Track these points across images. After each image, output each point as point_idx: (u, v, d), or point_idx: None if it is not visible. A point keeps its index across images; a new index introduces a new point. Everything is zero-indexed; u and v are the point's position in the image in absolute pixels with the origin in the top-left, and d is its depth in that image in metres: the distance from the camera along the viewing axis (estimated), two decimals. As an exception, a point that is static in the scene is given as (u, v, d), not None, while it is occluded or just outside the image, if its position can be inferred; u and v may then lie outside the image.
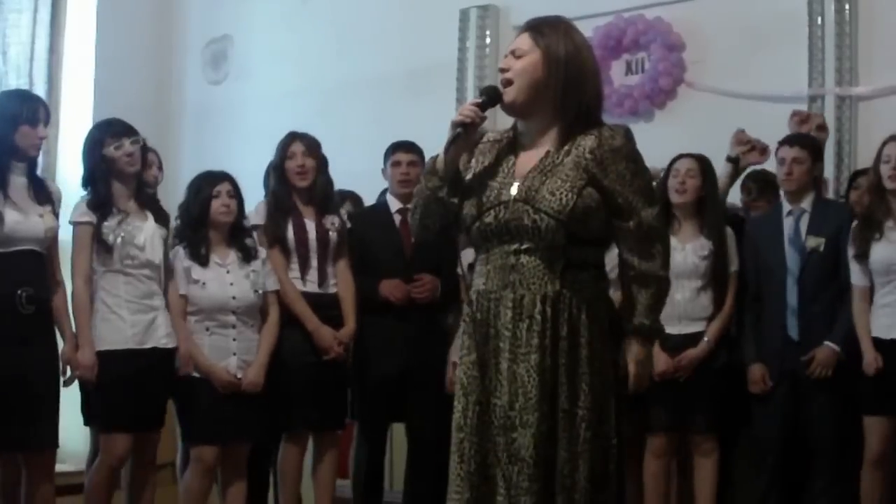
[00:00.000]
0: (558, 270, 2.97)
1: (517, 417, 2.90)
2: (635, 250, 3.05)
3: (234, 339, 4.65)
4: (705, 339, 4.81)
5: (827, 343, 4.66)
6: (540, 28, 3.05)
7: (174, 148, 7.61)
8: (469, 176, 3.10)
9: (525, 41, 3.04)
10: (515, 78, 3.02)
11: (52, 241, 4.26)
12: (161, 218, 4.59)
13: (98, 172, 4.44)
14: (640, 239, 3.05)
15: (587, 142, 2.98)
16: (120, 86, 7.51)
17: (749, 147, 5.19)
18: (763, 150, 5.22)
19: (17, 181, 4.18)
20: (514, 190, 3.00)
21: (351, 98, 7.30)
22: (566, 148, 3.01)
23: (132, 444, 4.48)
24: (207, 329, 4.63)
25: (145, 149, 4.60)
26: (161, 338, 4.47)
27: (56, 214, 4.28)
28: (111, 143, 4.43)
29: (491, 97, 3.07)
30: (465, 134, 3.02)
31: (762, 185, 5.38)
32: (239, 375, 4.62)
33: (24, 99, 4.35)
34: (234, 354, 4.64)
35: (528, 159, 3.06)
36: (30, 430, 4.11)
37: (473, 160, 3.13)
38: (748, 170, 5.34)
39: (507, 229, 2.99)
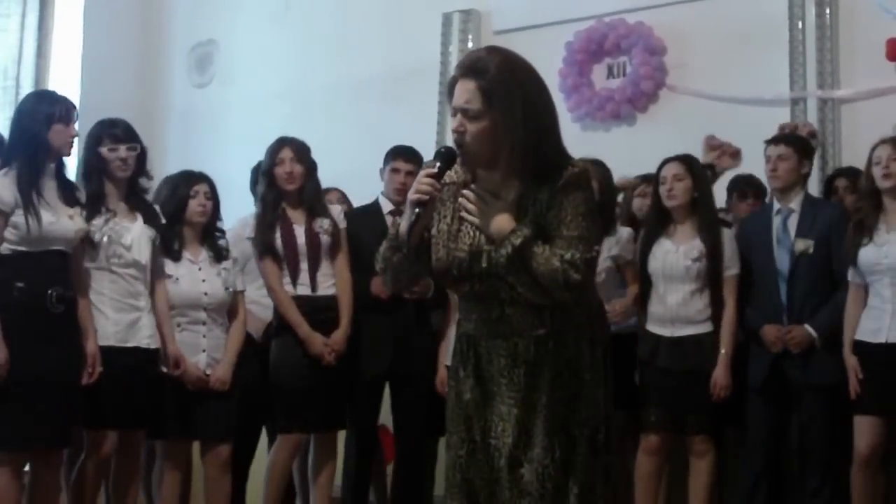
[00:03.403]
0: (546, 311, 2.80)
1: (522, 455, 2.79)
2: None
3: (204, 336, 4.53)
4: (722, 350, 4.56)
5: (806, 325, 4.51)
6: (489, 80, 2.72)
7: (159, 150, 7.32)
8: (434, 232, 2.87)
9: (474, 98, 2.72)
10: (472, 141, 2.75)
11: (79, 242, 4.13)
12: (151, 220, 4.44)
13: (91, 168, 4.36)
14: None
15: (543, 194, 2.76)
16: (106, 89, 7.31)
17: (720, 152, 5.05)
18: (734, 154, 5.09)
19: (48, 182, 4.05)
20: (483, 261, 2.79)
21: (334, 101, 7.12)
22: (525, 203, 2.77)
23: (116, 441, 4.34)
24: (178, 325, 4.49)
25: (143, 155, 4.44)
26: (144, 338, 4.31)
27: (83, 216, 4.14)
28: (108, 143, 4.33)
29: (447, 161, 2.81)
30: (425, 210, 2.77)
31: (755, 189, 5.17)
32: (208, 372, 4.48)
33: (55, 99, 4.14)
34: (204, 351, 4.52)
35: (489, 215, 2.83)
36: (47, 429, 3.96)
37: (434, 213, 2.89)
38: (734, 173, 5.16)
39: (486, 296, 2.83)
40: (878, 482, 4.32)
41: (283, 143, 4.84)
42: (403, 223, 2.79)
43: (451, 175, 2.86)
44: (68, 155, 4.12)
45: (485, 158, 2.79)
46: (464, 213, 2.81)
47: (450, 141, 2.89)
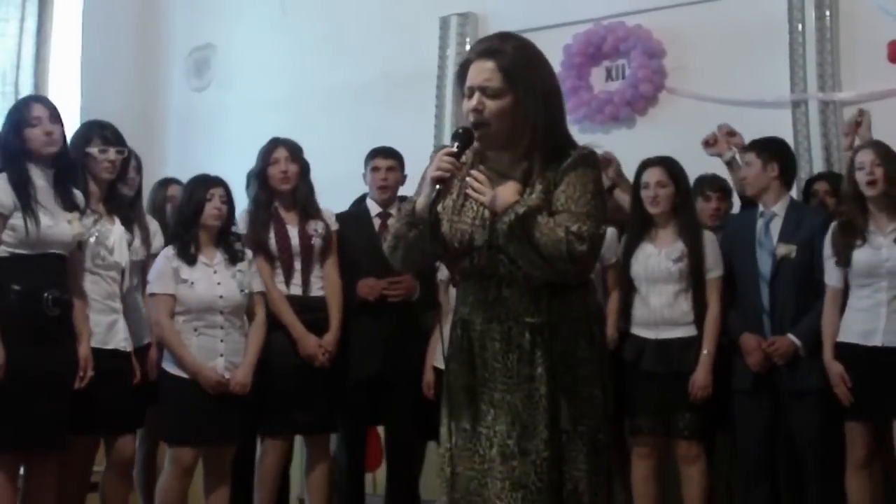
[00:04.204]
0: (545, 299, 2.79)
1: (515, 446, 2.77)
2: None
3: (222, 341, 4.51)
4: (704, 351, 4.54)
5: (789, 335, 4.47)
6: (509, 61, 2.75)
7: (158, 154, 7.39)
8: (438, 208, 2.86)
9: (494, 76, 2.75)
10: (493, 120, 2.77)
11: (76, 246, 4.17)
12: (127, 223, 4.48)
13: (77, 167, 4.34)
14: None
15: (551, 173, 2.79)
16: (105, 93, 7.29)
17: (722, 139, 5.06)
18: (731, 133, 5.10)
19: (43, 186, 4.06)
20: (485, 234, 2.80)
21: (332, 106, 7.07)
22: (533, 181, 2.79)
23: (96, 445, 4.42)
24: (195, 329, 4.49)
25: (128, 160, 4.53)
26: (121, 340, 4.35)
27: (81, 221, 4.17)
28: (98, 144, 4.36)
29: (465, 142, 2.81)
30: (444, 186, 2.78)
31: (720, 191, 5.13)
32: (227, 376, 4.47)
33: (24, 103, 4.20)
34: (222, 356, 4.50)
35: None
36: (42, 431, 3.99)
37: None
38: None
39: (484, 273, 2.82)
40: (874, 484, 4.29)
41: (276, 143, 4.86)
42: (421, 200, 2.79)
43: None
44: (51, 153, 4.04)
45: (502, 137, 2.79)
46: (470, 191, 2.78)
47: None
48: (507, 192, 2.74)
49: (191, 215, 4.57)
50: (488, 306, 2.81)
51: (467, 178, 2.80)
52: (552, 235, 2.66)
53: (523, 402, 2.77)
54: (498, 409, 2.79)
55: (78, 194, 4.20)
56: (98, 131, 4.39)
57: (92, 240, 4.28)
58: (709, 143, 5.12)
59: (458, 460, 2.83)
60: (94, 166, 4.35)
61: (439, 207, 2.83)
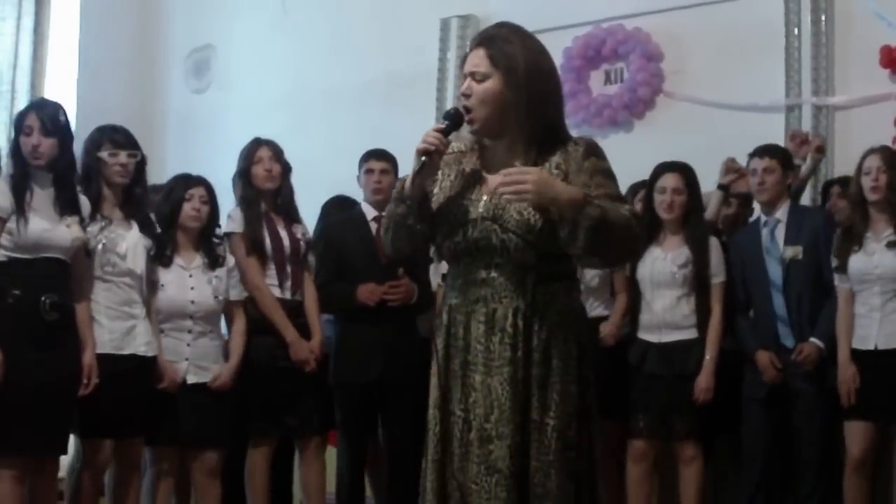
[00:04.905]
0: (530, 284, 2.86)
1: (493, 430, 2.82)
2: None
3: (189, 345, 4.47)
4: (707, 356, 4.65)
5: (812, 339, 4.56)
6: (496, 45, 2.87)
7: (157, 156, 7.26)
8: (436, 190, 2.97)
9: (483, 62, 2.86)
10: (479, 104, 2.87)
11: (78, 251, 4.13)
12: (146, 229, 4.42)
13: (90, 172, 4.32)
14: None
15: (554, 158, 2.86)
16: (103, 94, 7.33)
17: (738, 175, 5.11)
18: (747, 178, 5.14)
19: (43, 191, 4.06)
20: (481, 207, 2.89)
21: (332, 107, 7.17)
22: (533, 165, 2.86)
23: (112, 449, 4.37)
24: (163, 331, 4.43)
25: (142, 164, 4.44)
26: (141, 345, 4.31)
27: (83, 226, 4.14)
28: (109, 148, 4.32)
29: (454, 121, 2.91)
30: (430, 161, 2.87)
31: (741, 198, 5.25)
32: (189, 380, 4.43)
33: (24, 108, 4.25)
34: (187, 360, 4.46)
35: (495, 175, 2.90)
36: (42, 435, 3.99)
37: (440, 172, 2.99)
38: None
39: (476, 248, 2.88)
40: (871, 485, 4.40)
41: (258, 143, 4.87)
42: (409, 176, 2.88)
43: (458, 144, 2.97)
44: (36, 164, 4.05)
45: (491, 122, 2.88)
46: (509, 191, 2.74)
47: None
48: (558, 184, 2.74)
49: (168, 215, 4.48)
50: (476, 287, 2.87)
51: (502, 179, 2.78)
52: (620, 213, 2.76)
53: (502, 385, 2.81)
54: (477, 392, 2.84)
55: (83, 200, 4.21)
56: (109, 135, 4.35)
57: (99, 247, 4.24)
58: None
59: (442, 444, 2.88)
60: (106, 171, 4.31)
61: (436, 189, 2.92)
